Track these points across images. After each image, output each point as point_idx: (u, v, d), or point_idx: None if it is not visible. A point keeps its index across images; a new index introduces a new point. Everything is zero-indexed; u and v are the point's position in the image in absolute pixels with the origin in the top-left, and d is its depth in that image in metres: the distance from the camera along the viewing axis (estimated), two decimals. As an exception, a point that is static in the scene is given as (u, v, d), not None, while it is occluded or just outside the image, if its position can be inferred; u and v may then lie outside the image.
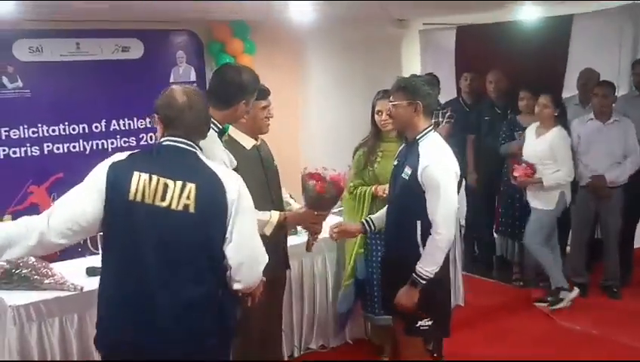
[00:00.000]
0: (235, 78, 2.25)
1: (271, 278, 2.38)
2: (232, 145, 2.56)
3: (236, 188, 1.81)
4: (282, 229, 2.66)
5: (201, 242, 1.77)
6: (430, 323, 2.49)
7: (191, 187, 1.77)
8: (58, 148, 4.45)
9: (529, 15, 4.78)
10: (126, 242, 1.78)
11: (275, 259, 2.64)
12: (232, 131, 2.66)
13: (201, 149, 1.88)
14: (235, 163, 2.22)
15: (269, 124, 2.68)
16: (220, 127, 2.24)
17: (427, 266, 2.40)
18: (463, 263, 4.19)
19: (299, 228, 3.30)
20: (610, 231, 4.17)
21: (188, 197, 1.77)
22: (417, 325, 2.48)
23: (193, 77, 4.65)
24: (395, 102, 2.47)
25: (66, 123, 4.46)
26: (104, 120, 4.57)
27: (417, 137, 2.46)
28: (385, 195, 2.84)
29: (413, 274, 2.40)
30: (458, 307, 3.88)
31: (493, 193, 4.60)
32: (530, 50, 4.72)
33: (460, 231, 4.15)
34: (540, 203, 4.02)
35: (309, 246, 2.75)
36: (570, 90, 4.53)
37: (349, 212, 3.17)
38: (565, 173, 3.93)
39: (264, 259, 1.87)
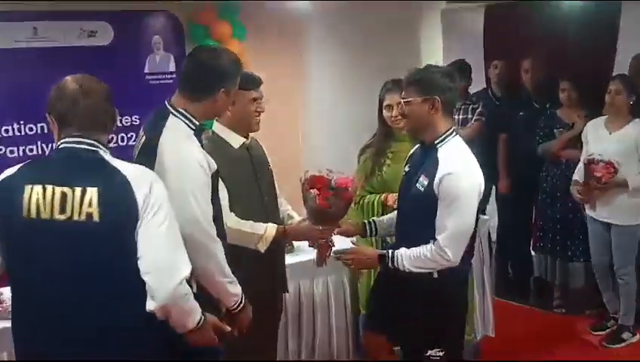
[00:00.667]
0: (212, 61, 2.22)
1: (265, 304, 2.50)
2: (217, 144, 2.59)
3: (147, 185, 1.81)
4: (279, 246, 2.68)
5: (113, 253, 1.77)
6: (441, 354, 2.49)
7: (92, 192, 1.77)
8: (12, 152, 4.43)
9: None
10: (29, 268, 1.79)
11: (270, 282, 2.73)
12: (217, 127, 2.68)
13: (105, 147, 1.87)
14: (215, 166, 2.20)
15: (258, 120, 2.69)
16: (197, 122, 2.20)
17: (407, 261, 2.43)
18: (494, 286, 4.15)
19: (295, 243, 3.34)
20: None
21: (90, 205, 1.76)
22: (427, 354, 2.47)
23: (172, 66, 4.56)
24: (408, 99, 2.44)
25: (22, 122, 4.45)
26: None
27: (436, 141, 2.44)
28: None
29: (389, 251, 2.47)
30: (487, 338, 3.82)
31: (530, 203, 4.62)
32: (572, 33, 4.75)
33: (491, 248, 4.12)
34: (620, 217, 3.89)
35: (321, 259, 2.74)
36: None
37: None
38: None
39: (182, 269, 1.82)
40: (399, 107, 2.65)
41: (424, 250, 2.40)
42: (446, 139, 2.43)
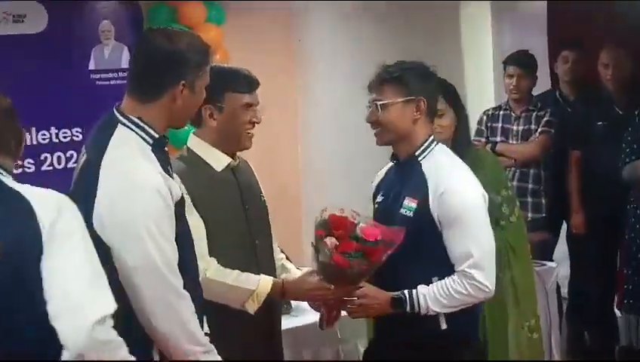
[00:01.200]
0: (165, 46, 2.16)
1: None
2: (193, 165, 2.58)
3: (54, 210, 1.83)
4: (274, 305, 2.69)
5: (12, 291, 1.78)
6: None
7: None
8: None
9: None
10: None
11: (261, 353, 2.69)
12: (194, 142, 2.65)
13: (9, 171, 1.93)
14: (180, 194, 2.16)
15: (251, 135, 2.65)
16: (155, 134, 2.11)
17: (433, 302, 2.47)
18: (565, 356, 4.12)
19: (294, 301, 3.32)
20: None
21: None
22: None
23: (126, 61, 4.46)
24: (385, 101, 2.52)
25: None
26: None
27: (417, 153, 2.53)
28: None
29: (405, 292, 2.49)
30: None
31: (614, 245, 4.41)
32: None
33: (560, 306, 4.15)
34: None
35: (329, 321, 2.72)
36: None
37: None
38: None
39: (100, 307, 1.80)
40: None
41: (452, 284, 2.49)
42: (428, 150, 2.52)
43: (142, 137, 2.08)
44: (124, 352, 1.84)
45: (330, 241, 2.47)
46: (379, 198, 2.70)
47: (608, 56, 4.44)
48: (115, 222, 1.95)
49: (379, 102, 2.54)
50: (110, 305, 1.81)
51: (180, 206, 2.12)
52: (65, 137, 4.46)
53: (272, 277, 2.61)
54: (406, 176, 2.59)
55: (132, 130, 2.09)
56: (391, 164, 2.76)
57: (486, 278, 2.48)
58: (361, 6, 4.92)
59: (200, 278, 2.37)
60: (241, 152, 2.77)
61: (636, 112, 4.22)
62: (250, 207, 2.70)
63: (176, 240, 2.09)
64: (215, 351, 2.18)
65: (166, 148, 2.25)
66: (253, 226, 2.69)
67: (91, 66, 4.45)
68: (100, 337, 1.77)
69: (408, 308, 2.54)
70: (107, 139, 2.08)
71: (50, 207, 1.83)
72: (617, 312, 4.42)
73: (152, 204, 2.01)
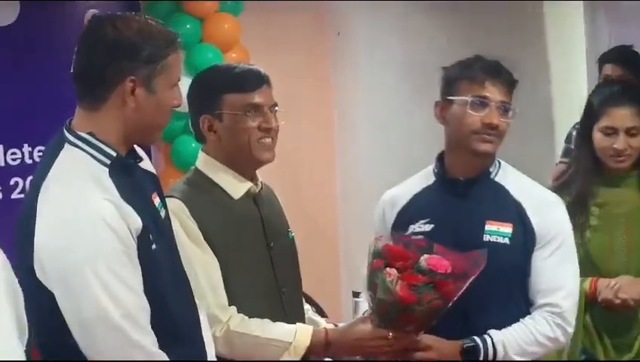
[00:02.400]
0: (108, 33, 1.93)
1: None
2: (203, 190, 2.38)
3: None
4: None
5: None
6: None
7: None
8: None
9: None
10: None
11: None
12: (203, 162, 2.42)
13: None
14: (140, 225, 1.88)
15: (269, 144, 2.35)
16: (112, 151, 1.89)
17: (514, 349, 2.32)
18: None
19: None
20: None
21: None
22: None
23: None
24: (512, 107, 2.46)
25: None
26: None
27: (491, 168, 2.46)
28: (613, 300, 2.75)
29: (477, 339, 2.30)
30: None
31: None
32: None
33: None
34: None
35: None
36: None
37: None
38: None
39: None
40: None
41: (536, 325, 2.32)
42: (500, 166, 2.49)
43: (95, 157, 1.86)
44: None
45: (393, 274, 2.25)
46: (424, 227, 2.48)
47: None
48: (54, 267, 1.78)
49: (509, 107, 2.40)
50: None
51: (143, 238, 1.88)
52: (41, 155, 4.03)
53: (311, 326, 2.38)
54: (474, 196, 2.45)
55: (82, 149, 1.86)
56: (412, 183, 2.63)
57: (573, 318, 2.38)
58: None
59: (218, 332, 2.22)
60: (264, 176, 2.54)
61: None
62: (276, 246, 2.43)
63: (148, 279, 1.89)
64: None
65: (142, 169, 2.04)
66: (278, 270, 2.43)
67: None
68: None
69: (482, 358, 2.34)
70: (51, 163, 1.87)
71: None
72: None
73: (99, 240, 1.80)
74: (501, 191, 2.42)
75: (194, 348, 2.01)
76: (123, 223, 1.80)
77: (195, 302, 2.16)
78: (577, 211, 2.81)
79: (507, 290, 2.41)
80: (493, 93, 2.42)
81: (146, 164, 2.11)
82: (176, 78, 1.98)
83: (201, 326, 2.15)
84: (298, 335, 2.29)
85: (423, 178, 2.62)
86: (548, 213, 2.38)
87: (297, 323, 2.35)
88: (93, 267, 1.77)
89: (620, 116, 2.71)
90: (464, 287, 2.27)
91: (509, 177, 2.45)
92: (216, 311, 2.28)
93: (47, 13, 4.12)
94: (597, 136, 2.76)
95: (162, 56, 1.90)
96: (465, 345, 2.32)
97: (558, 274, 2.35)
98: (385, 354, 2.37)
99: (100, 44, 1.87)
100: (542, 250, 2.35)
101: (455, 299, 2.27)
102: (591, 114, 2.84)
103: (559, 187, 2.89)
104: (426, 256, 2.25)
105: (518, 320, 2.37)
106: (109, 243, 1.79)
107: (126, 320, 1.78)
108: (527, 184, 2.50)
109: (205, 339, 2.14)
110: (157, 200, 2.09)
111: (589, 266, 2.78)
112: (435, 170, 2.53)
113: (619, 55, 4.00)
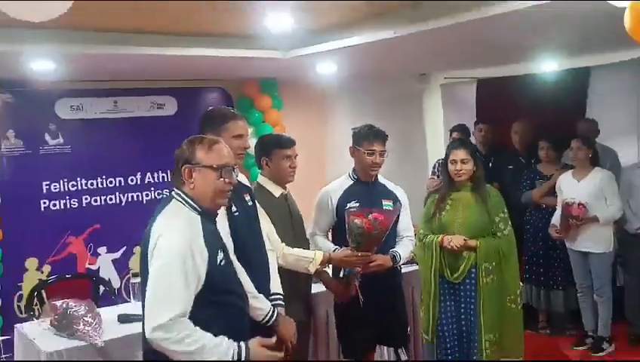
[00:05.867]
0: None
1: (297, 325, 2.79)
2: (261, 193, 3.08)
3: (155, 237, 2.20)
4: (310, 277, 3.20)
5: None
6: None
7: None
8: (96, 201, 5.46)
9: (547, 68, 5.81)
10: None
11: (300, 305, 3.14)
12: (261, 179, 3.21)
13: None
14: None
15: (293, 173, 3.18)
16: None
17: (403, 254, 3.34)
18: None
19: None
20: None
21: None
22: None
23: None
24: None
25: (104, 176, 5.46)
26: (139, 173, 5.60)
27: (377, 178, 3.45)
28: (450, 246, 3.48)
29: (394, 252, 3.30)
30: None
31: (518, 242, 4.43)
32: (549, 102, 5.73)
33: None
34: (597, 246, 4.72)
35: (347, 292, 3.23)
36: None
37: (420, 261, 3.75)
38: (617, 207, 4.71)
39: (155, 318, 2.10)
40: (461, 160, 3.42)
41: (408, 244, 3.47)
42: (378, 176, 3.51)
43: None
44: (185, 345, 2.08)
45: (358, 219, 3.07)
46: (355, 204, 3.33)
47: (517, 128, 5.55)
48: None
49: (383, 153, 3.28)
50: (164, 315, 2.06)
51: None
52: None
53: (322, 251, 3.06)
54: (374, 189, 3.40)
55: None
56: (340, 183, 3.45)
57: (418, 238, 3.37)
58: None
59: (279, 254, 2.86)
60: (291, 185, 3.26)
61: (532, 161, 5.33)
62: (294, 219, 3.22)
63: (239, 246, 2.48)
64: (262, 298, 2.52)
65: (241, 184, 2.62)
66: (295, 229, 3.20)
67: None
68: (157, 338, 2.08)
69: (397, 261, 3.30)
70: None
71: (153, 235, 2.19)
72: (520, 283, 4.22)
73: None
74: (383, 187, 3.39)
75: (241, 301, 2.36)
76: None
77: (266, 251, 2.76)
78: (440, 202, 3.65)
79: (394, 231, 3.31)
80: (377, 146, 3.35)
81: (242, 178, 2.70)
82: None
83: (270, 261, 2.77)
84: (316, 255, 2.97)
85: (345, 180, 3.49)
86: (404, 196, 3.39)
87: (316, 250, 3.05)
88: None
89: (458, 153, 3.58)
90: (390, 224, 3.14)
91: (383, 182, 3.39)
92: (280, 245, 2.95)
93: (195, 110, 5.16)
94: (449, 165, 3.63)
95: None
96: (391, 255, 3.28)
97: (408, 223, 3.37)
98: (356, 265, 3.15)
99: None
100: (404, 211, 3.28)
101: (387, 230, 3.12)
102: (447, 155, 3.68)
103: (433, 192, 3.90)
104: (372, 214, 3.14)
105: (397, 245, 3.32)
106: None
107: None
108: (392, 184, 3.43)
109: (271, 266, 2.77)
110: (248, 197, 2.79)
111: (442, 230, 3.61)
112: (354, 177, 3.42)
113: (459, 127, 5.57)
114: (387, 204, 3.34)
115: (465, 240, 3.48)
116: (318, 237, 3.45)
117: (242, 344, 2.19)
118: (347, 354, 3.56)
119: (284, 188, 3.22)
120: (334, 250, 3.29)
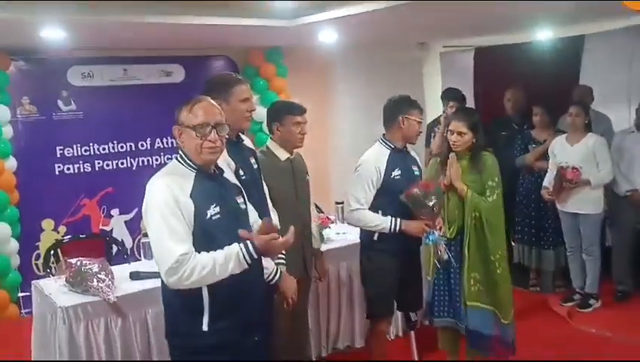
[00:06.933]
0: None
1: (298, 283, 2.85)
2: (268, 156, 3.14)
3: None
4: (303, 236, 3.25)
5: None
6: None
7: None
8: (108, 165, 5.63)
9: (543, 36, 5.88)
10: None
11: (299, 262, 3.23)
12: (270, 143, 3.27)
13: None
14: (234, 165, 2.57)
15: (302, 139, 3.22)
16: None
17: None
18: None
19: (325, 234, 3.94)
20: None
21: None
22: None
23: None
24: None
25: (115, 141, 5.64)
26: (149, 138, 5.76)
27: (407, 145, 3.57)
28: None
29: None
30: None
31: (511, 204, 5.01)
32: (544, 70, 5.75)
33: None
34: (588, 207, 4.80)
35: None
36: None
37: None
38: (608, 171, 4.79)
39: (165, 260, 2.19)
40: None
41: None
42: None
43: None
44: (204, 270, 2.17)
45: (422, 188, 3.23)
46: (398, 173, 3.40)
47: (510, 95, 5.52)
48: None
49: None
50: (176, 252, 2.15)
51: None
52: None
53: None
54: (408, 156, 3.49)
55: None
56: (378, 151, 3.40)
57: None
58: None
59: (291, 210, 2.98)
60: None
61: (525, 127, 5.35)
62: (299, 184, 3.25)
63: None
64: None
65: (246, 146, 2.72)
66: (298, 194, 3.22)
67: (210, 101, 5.30)
68: (174, 278, 2.17)
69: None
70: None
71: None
72: (512, 243, 5.16)
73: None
74: (410, 153, 3.43)
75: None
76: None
77: (269, 211, 2.83)
78: (441, 167, 3.59)
79: None
80: (418, 116, 3.45)
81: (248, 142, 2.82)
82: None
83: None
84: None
85: (382, 149, 3.43)
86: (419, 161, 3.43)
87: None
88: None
89: (456, 125, 3.49)
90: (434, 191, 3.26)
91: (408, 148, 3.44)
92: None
93: (202, 77, 4.52)
94: (448, 134, 3.56)
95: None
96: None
97: None
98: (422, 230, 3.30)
99: None
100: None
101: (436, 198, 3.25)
102: (447, 123, 3.70)
103: (434, 156, 3.94)
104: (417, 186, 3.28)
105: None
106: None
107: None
108: (413, 153, 3.48)
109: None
110: (253, 160, 2.84)
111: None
112: (390, 145, 3.38)
113: (451, 93, 5.23)
114: (415, 170, 3.48)
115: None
116: (366, 212, 3.40)
117: (247, 242, 2.25)
118: (373, 312, 3.64)
119: (291, 153, 3.27)
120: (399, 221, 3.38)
